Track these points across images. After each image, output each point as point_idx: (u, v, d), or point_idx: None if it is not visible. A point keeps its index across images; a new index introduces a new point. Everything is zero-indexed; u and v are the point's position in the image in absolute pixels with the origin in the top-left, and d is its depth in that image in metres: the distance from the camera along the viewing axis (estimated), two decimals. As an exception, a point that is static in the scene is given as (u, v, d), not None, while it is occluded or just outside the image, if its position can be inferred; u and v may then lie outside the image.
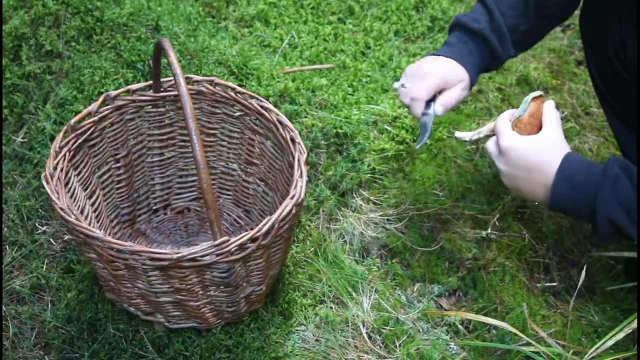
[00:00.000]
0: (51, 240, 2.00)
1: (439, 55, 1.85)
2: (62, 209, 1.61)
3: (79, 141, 1.81)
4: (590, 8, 1.84)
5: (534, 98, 1.68)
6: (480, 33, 1.84)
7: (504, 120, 1.68)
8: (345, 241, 2.04)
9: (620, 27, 1.72)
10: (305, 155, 1.74)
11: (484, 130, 1.75)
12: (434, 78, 1.80)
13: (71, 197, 1.76)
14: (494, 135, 1.70)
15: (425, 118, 1.81)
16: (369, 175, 2.14)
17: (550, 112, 1.67)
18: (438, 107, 1.81)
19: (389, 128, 2.22)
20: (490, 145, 1.69)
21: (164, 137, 2.01)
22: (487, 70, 1.92)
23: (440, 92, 1.82)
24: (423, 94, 1.80)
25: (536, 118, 1.67)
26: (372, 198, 2.12)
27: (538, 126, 1.67)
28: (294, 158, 1.75)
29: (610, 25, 1.75)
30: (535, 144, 1.62)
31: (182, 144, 2.03)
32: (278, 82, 2.23)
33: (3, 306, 1.87)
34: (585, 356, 1.70)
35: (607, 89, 1.86)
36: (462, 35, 1.86)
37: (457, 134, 1.80)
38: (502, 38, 1.85)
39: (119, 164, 1.95)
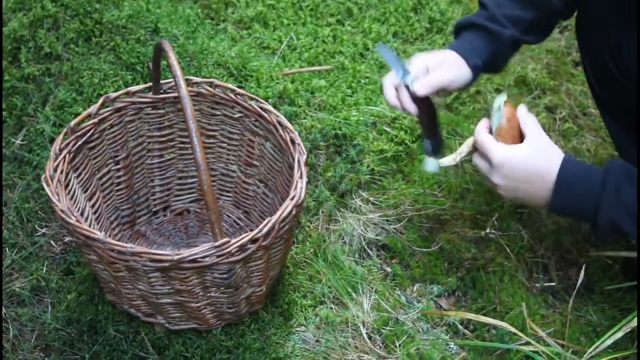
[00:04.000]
0: (51, 242, 2.00)
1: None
2: (62, 211, 1.61)
3: (79, 143, 1.82)
4: (587, 12, 1.85)
5: (505, 102, 1.66)
6: (472, 23, 1.84)
7: (484, 134, 1.65)
8: (344, 242, 2.05)
9: (616, 31, 1.72)
10: (305, 157, 1.75)
11: (464, 149, 1.73)
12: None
13: (71, 199, 1.77)
14: (476, 150, 1.68)
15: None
16: (368, 176, 2.15)
17: (526, 117, 1.66)
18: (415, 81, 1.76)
19: (387, 129, 2.23)
20: (479, 161, 1.66)
21: (164, 138, 2.01)
22: (495, 57, 1.86)
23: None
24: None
25: (514, 123, 1.65)
26: (371, 199, 2.13)
27: (519, 132, 1.65)
28: (293, 159, 1.76)
29: (607, 29, 1.75)
30: (527, 151, 1.61)
31: (182, 145, 2.04)
32: (277, 83, 2.24)
33: (3, 308, 1.87)
34: (584, 355, 1.71)
35: (603, 92, 1.87)
36: (458, 34, 1.88)
37: (440, 161, 1.77)
38: (497, 23, 1.82)
39: (118, 166, 1.95)
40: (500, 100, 1.67)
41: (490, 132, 1.66)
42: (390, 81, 1.79)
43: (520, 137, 1.65)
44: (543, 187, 1.61)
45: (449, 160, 1.76)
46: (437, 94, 1.80)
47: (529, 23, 1.86)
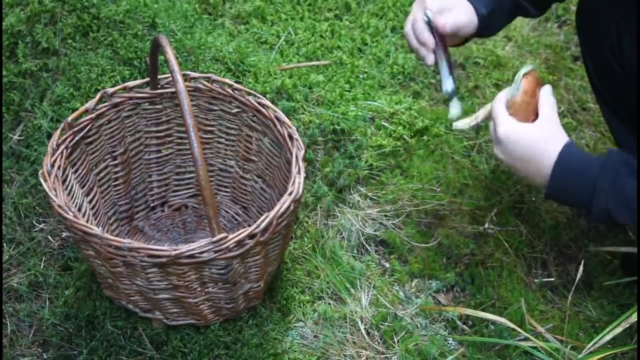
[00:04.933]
0: (49, 237, 2.00)
1: None
2: (60, 206, 1.61)
3: (76, 138, 1.81)
4: (587, 3, 1.84)
5: (525, 74, 1.63)
6: None
7: (499, 105, 1.64)
8: (343, 237, 2.04)
9: (617, 23, 1.72)
10: (302, 152, 1.74)
11: (480, 115, 1.72)
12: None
13: (69, 194, 1.76)
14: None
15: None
16: (366, 171, 2.14)
17: (547, 99, 1.64)
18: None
19: (386, 124, 2.22)
20: (491, 129, 1.67)
21: (162, 134, 2.00)
22: (494, 15, 1.83)
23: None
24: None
25: (531, 97, 1.63)
26: (369, 194, 2.12)
27: (534, 108, 1.63)
28: (291, 154, 1.75)
29: (607, 22, 1.75)
30: (533, 132, 1.60)
31: (180, 141, 2.03)
32: (275, 78, 2.23)
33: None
34: (583, 351, 1.71)
35: (602, 85, 1.87)
36: None
37: (455, 124, 1.76)
38: None
39: (116, 161, 1.95)
40: (522, 72, 1.64)
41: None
42: (410, 21, 1.78)
43: (535, 116, 1.63)
44: (541, 170, 1.60)
45: (465, 122, 1.75)
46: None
47: None
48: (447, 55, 1.78)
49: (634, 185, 1.52)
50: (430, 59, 1.77)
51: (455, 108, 1.80)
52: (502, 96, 1.66)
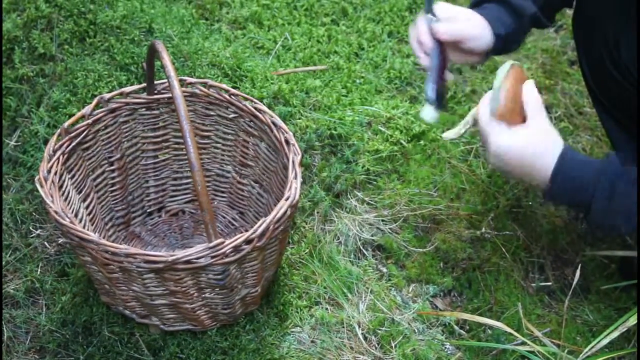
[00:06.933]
0: (45, 243, 1.99)
1: None
2: (56, 212, 1.61)
3: (73, 144, 1.81)
4: (584, 7, 1.84)
5: (505, 78, 1.60)
6: None
7: (484, 115, 1.62)
8: (340, 242, 2.04)
9: (614, 28, 1.72)
10: (299, 157, 1.74)
11: (469, 120, 1.70)
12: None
13: (65, 200, 1.76)
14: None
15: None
16: (363, 176, 2.14)
17: (529, 95, 1.62)
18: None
19: (383, 129, 2.22)
20: (481, 135, 1.66)
21: (158, 139, 2.00)
22: (516, 33, 1.83)
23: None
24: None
25: (515, 102, 1.60)
26: (366, 199, 2.12)
27: (520, 109, 1.61)
28: (288, 160, 1.75)
29: (604, 26, 1.75)
30: (523, 137, 1.59)
31: (176, 146, 2.03)
32: (272, 83, 2.23)
33: (-3, 310, 1.87)
34: (581, 355, 1.71)
35: (599, 89, 1.87)
36: (478, 5, 1.85)
37: (444, 135, 1.75)
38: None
39: (113, 167, 1.95)
40: (499, 76, 1.62)
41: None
42: (417, 23, 1.78)
43: (522, 117, 1.61)
44: (538, 176, 1.60)
45: (454, 132, 1.72)
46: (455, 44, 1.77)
47: (544, 1, 1.84)
48: (442, 62, 1.76)
49: (630, 192, 1.53)
50: (423, 60, 1.77)
51: (427, 114, 1.76)
52: (485, 100, 1.64)
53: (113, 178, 1.96)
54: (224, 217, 2.08)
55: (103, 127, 1.89)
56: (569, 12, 1.93)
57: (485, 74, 2.48)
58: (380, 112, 2.25)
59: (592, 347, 1.72)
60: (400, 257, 2.03)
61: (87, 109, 1.83)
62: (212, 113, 1.97)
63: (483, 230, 2.07)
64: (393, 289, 1.98)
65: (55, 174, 1.73)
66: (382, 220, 2.09)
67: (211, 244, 1.54)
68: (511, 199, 2.13)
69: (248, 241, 1.58)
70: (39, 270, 1.94)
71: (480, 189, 2.15)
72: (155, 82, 1.91)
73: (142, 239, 2.03)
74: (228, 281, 1.64)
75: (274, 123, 1.84)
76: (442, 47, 1.76)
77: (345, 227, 2.06)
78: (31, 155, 2.09)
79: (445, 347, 1.87)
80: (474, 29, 1.77)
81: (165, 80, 1.92)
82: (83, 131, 1.83)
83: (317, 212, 2.07)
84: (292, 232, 2.03)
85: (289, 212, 1.64)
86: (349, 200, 2.11)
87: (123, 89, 1.90)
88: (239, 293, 1.72)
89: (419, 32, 1.76)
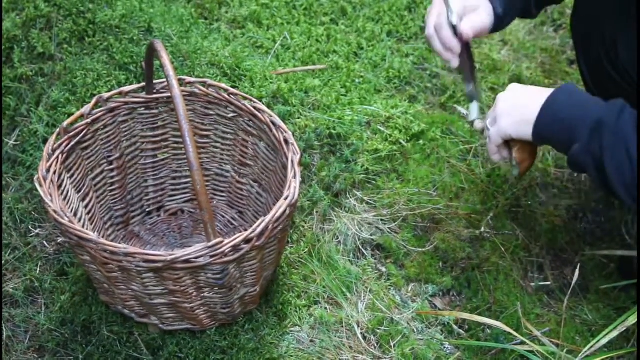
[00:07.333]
0: (44, 242, 1.99)
1: None
2: (55, 212, 1.61)
3: (72, 143, 1.81)
4: (583, 7, 1.84)
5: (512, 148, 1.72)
6: None
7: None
8: (339, 242, 2.04)
9: (612, 28, 1.72)
10: (298, 156, 1.74)
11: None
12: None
13: (64, 199, 1.76)
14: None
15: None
16: (362, 175, 2.14)
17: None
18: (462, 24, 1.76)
19: (382, 128, 2.22)
20: (489, 119, 1.73)
21: (157, 139, 2.00)
22: (515, 13, 1.85)
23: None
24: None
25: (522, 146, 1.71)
26: (365, 198, 2.12)
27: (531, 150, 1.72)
28: (287, 159, 1.75)
29: (602, 26, 1.75)
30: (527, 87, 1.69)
31: (176, 145, 2.03)
32: (271, 83, 2.23)
33: (-4, 309, 1.87)
34: (580, 355, 1.71)
35: (598, 89, 1.87)
36: None
37: (475, 125, 1.83)
38: None
39: (112, 166, 1.94)
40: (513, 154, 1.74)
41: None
42: (432, 23, 1.79)
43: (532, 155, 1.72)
44: (535, 105, 1.63)
45: (474, 113, 1.84)
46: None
47: None
48: (471, 58, 1.81)
49: (613, 139, 1.52)
50: (455, 62, 1.79)
51: (473, 111, 1.85)
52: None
53: (112, 177, 1.96)
54: (223, 217, 2.08)
55: (102, 127, 1.89)
56: (569, 11, 1.93)
57: (484, 74, 2.48)
58: (380, 112, 2.25)
59: (591, 346, 1.72)
60: (400, 257, 2.03)
61: (86, 108, 1.83)
62: (211, 112, 1.97)
63: (482, 229, 2.07)
64: (392, 288, 1.98)
65: (55, 173, 1.73)
66: (382, 220, 2.09)
67: (210, 244, 1.54)
68: (510, 199, 2.13)
69: (247, 240, 1.58)
70: (38, 269, 1.94)
71: (479, 189, 2.15)
72: (155, 81, 1.91)
73: (141, 238, 2.03)
74: (227, 280, 1.64)
75: (273, 122, 1.84)
76: (468, 44, 1.79)
77: (344, 226, 2.06)
78: (30, 154, 2.09)
79: (445, 347, 1.87)
80: (487, 17, 1.78)
81: (165, 80, 1.92)
82: (82, 130, 1.83)
83: (316, 212, 2.07)
84: (291, 231, 2.03)
85: (288, 212, 1.64)
86: (348, 200, 2.11)
87: (122, 89, 1.90)
88: (238, 292, 1.72)
89: (444, 38, 1.76)
